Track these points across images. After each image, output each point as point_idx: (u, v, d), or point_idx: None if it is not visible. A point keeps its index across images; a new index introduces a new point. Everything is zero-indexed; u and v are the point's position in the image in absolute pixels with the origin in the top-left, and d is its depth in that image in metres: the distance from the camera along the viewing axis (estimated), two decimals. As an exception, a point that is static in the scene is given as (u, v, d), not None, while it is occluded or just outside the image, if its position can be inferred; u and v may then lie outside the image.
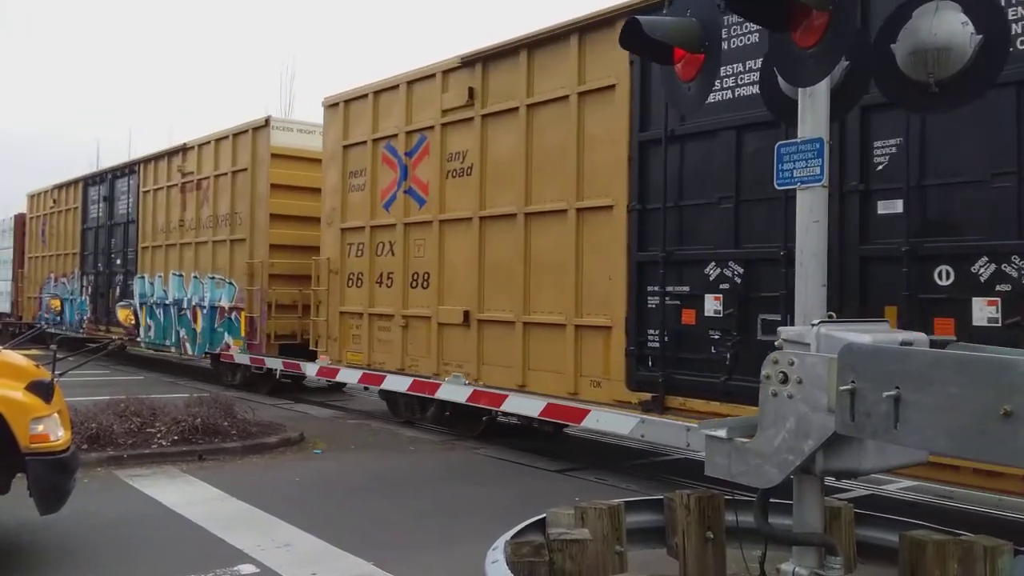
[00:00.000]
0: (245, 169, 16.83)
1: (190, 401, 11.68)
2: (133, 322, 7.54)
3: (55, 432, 6.00)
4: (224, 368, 17.99)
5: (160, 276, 19.73)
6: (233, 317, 16.98)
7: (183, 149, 19.27)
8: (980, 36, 3.82)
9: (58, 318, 23.70)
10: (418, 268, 12.36)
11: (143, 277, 20.54)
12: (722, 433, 3.99)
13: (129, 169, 21.88)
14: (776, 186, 4.26)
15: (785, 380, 3.68)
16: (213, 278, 17.68)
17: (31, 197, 28.04)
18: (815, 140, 4.04)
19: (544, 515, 4.81)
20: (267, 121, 16.59)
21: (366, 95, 13.67)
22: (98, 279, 22.84)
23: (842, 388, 3.30)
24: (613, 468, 10.34)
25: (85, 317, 23.13)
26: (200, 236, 18.27)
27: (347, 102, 14.21)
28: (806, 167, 4.05)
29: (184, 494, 8.54)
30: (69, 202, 24.95)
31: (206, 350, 17.99)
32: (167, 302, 19.30)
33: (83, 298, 23.48)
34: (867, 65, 4.25)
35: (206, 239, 18.04)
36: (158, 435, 10.45)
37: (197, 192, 18.48)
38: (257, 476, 9.63)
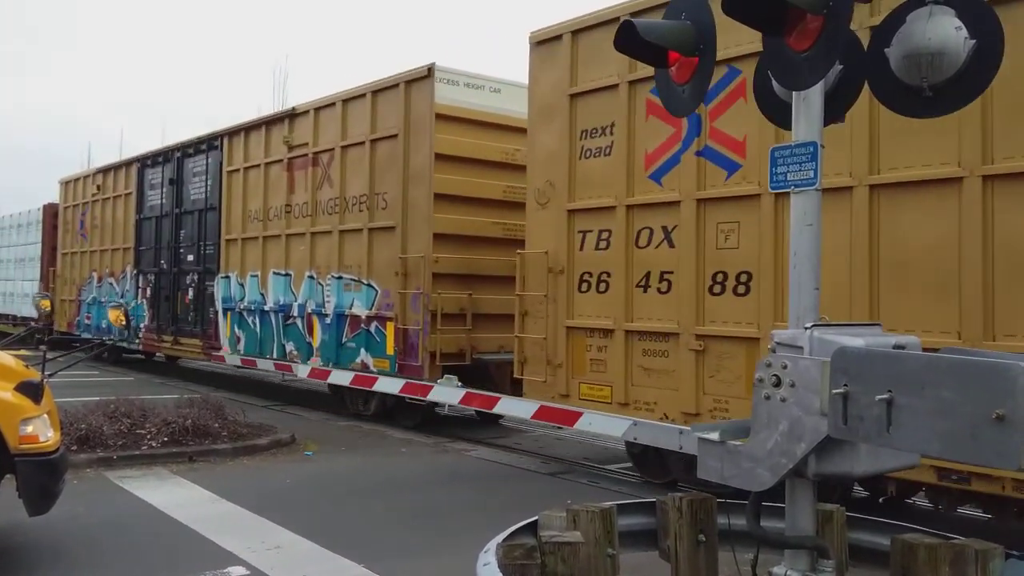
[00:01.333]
0: (393, 136, 12.86)
1: (180, 402, 11.65)
2: (124, 323, 7.19)
3: (44, 433, 5.98)
4: (353, 394, 14.05)
5: (255, 276, 15.83)
6: (373, 329, 13.08)
7: (290, 115, 15.22)
8: (974, 41, 3.83)
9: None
10: (725, 265, 8.59)
11: (228, 277, 16.63)
12: (714, 436, 3.98)
13: (207, 144, 17.65)
14: (769, 190, 4.26)
15: (778, 383, 3.68)
16: (340, 278, 13.77)
17: (65, 184, 24.55)
18: (809, 144, 4.04)
19: (536, 518, 4.80)
20: (430, 71, 12.38)
21: (616, 18, 9.11)
22: (160, 279, 19.19)
23: (835, 391, 3.30)
24: (604, 471, 10.33)
25: (142, 325, 19.67)
26: (318, 225, 14.34)
27: (577, 33, 10.20)
28: (800, 171, 4.06)
29: (174, 496, 8.51)
30: (118, 187, 21.23)
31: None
32: (265, 308, 15.47)
33: (139, 302, 19.87)
34: (861, 69, 4.26)
35: (328, 228, 14.08)
36: (148, 436, 10.41)
37: (313, 169, 14.52)
38: (248, 478, 9.60)
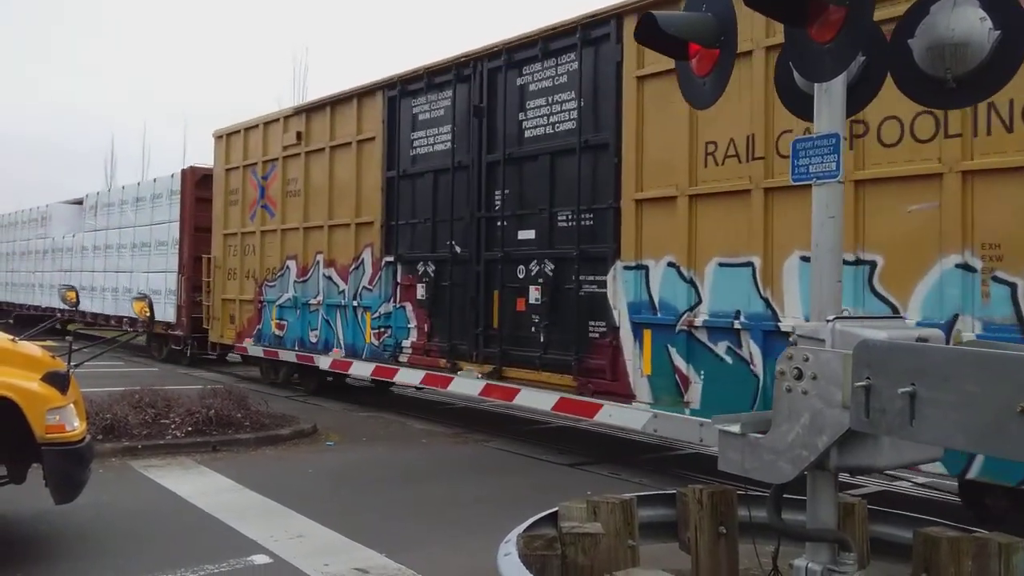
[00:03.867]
0: None
1: (204, 393, 11.75)
2: (148, 314, 7.07)
3: (71, 423, 6.05)
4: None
5: (722, 265, 8.67)
6: None
7: None
8: (998, 32, 3.80)
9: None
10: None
11: (640, 268, 9.50)
12: (735, 428, 3.98)
13: (580, 34, 10.23)
14: (792, 181, 4.25)
15: (800, 376, 3.68)
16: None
17: (226, 138, 17.80)
18: (831, 135, 4.03)
19: (556, 509, 4.82)
20: None
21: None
22: (445, 271, 12.20)
23: (857, 384, 3.29)
24: (625, 462, 10.34)
25: (406, 343, 12.79)
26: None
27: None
28: (822, 163, 4.04)
29: (198, 485, 8.59)
30: (343, 132, 14.30)
31: None
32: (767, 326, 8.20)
33: (398, 306, 12.91)
34: (884, 60, 4.23)
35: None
36: (172, 426, 10.52)
37: None
38: (270, 467, 9.68)
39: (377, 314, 13.39)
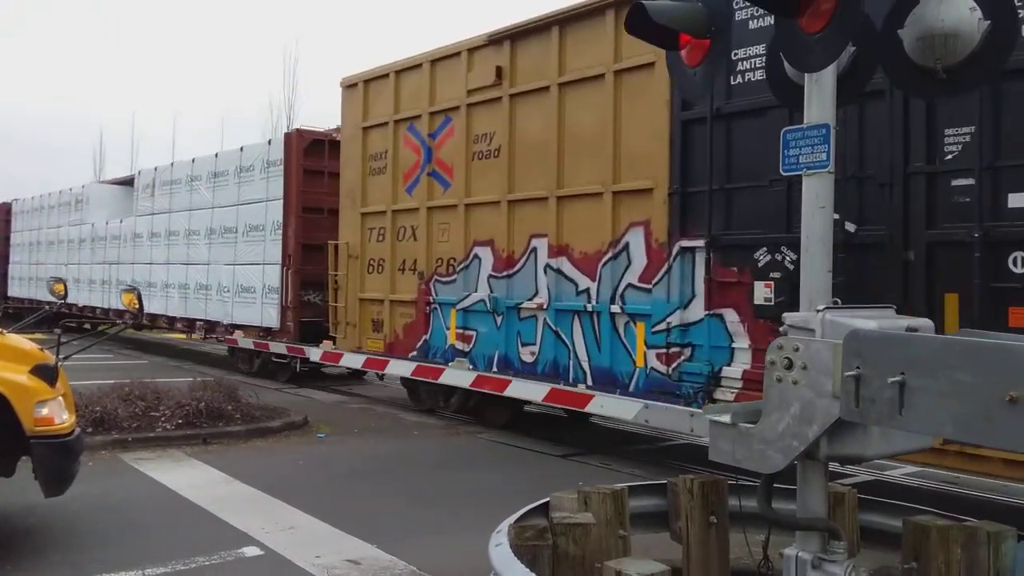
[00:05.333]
0: None
1: (194, 385, 11.71)
2: (137, 306, 6.93)
3: (59, 415, 6.03)
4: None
5: None
6: None
7: None
8: (988, 22, 3.81)
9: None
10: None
11: None
12: (726, 418, 3.99)
13: None
14: (781, 172, 4.25)
15: (790, 366, 3.68)
16: None
17: (360, 87, 13.84)
18: (821, 126, 4.03)
19: (548, 499, 4.83)
20: None
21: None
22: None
23: (847, 374, 3.30)
24: (616, 453, 10.36)
25: (731, 372, 8.65)
26: None
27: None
28: (812, 153, 4.04)
29: (189, 477, 8.58)
30: (585, 60, 10.24)
31: None
32: None
33: (713, 314, 8.78)
34: (874, 51, 4.23)
35: None
36: (162, 419, 10.49)
37: None
38: (261, 460, 9.67)
39: (662, 325, 9.25)
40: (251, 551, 6.34)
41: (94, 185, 26.02)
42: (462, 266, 11.85)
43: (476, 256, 11.67)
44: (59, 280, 7.90)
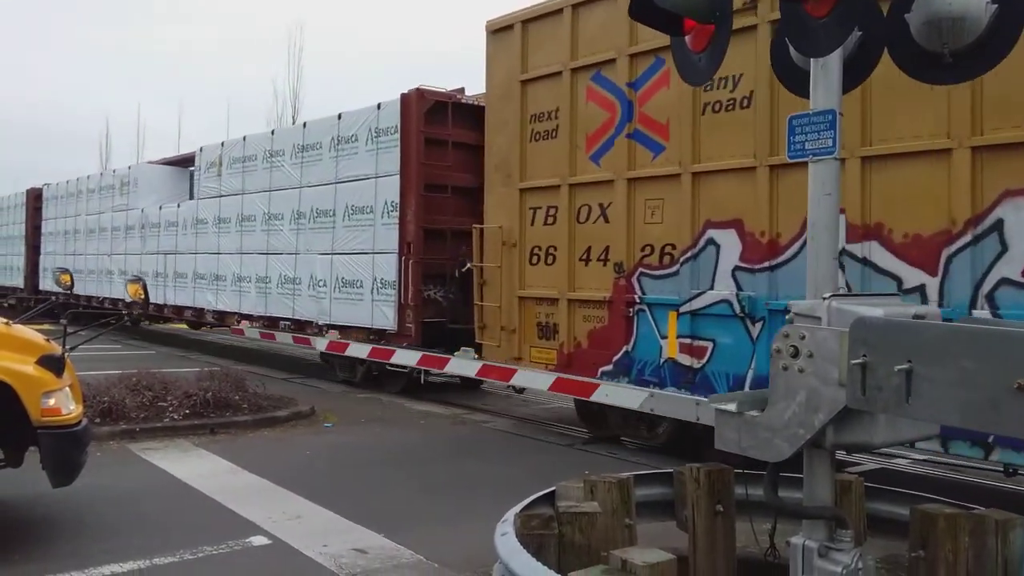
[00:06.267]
0: None
1: (201, 375, 11.75)
2: (143, 296, 6.99)
3: (67, 406, 6.04)
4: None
5: None
6: None
7: None
8: (995, 6, 3.76)
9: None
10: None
11: None
12: (732, 407, 3.97)
13: None
14: (787, 158, 4.21)
15: (796, 354, 3.66)
16: None
17: (516, 29, 11.15)
18: (827, 112, 3.99)
19: (554, 488, 4.83)
20: None
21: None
22: None
23: (853, 362, 3.27)
24: (623, 442, 10.34)
25: None
26: None
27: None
28: (818, 139, 4.01)
29: (196, 467, 8.60)
30: None
31: None
32: None
33: None
34: (880, 35, 4.19)
35: None
36: (170, 409, 10.52)
37: None
38: (268, 449, 9.69)
39: None
40: (258, 540, 6.36)
41: (143, 166, 22.76)
42: (687, 255, 9.00)
43: (711, 242, 8.85)
44: (65, 271, 7.92)
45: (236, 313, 16.96)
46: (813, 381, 3.60)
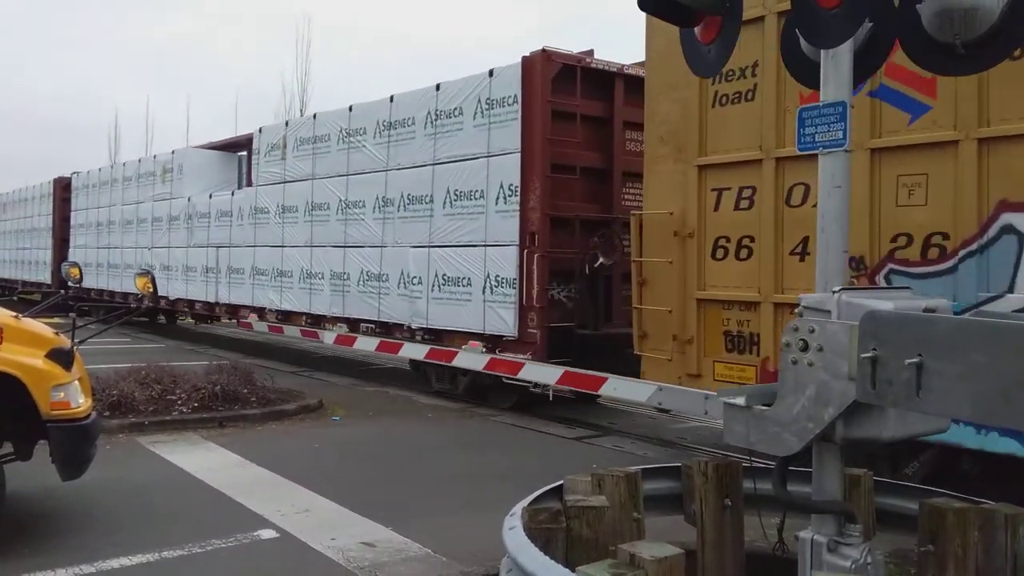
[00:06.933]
0: None
1: (210, 368, 11.78)
2: (151, 290, 6.97)
3: (76, 399, 6.05)
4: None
5: None
6: None
7: None
8: (1009, -5, 3.71)
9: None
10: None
11: None
12: (740, 401, 3.96)
13: None
14: (797, 150, 4.19)
15: (805, 348, 3.64)
16: None
17: None
18: (838, 103, 3.96)
19: (561, 482, 4.81)
20: None
21: None
22: None
23: (863, 356, 3.25)
24: (630, 436, 10.33)
25: None
26: None
27: None
28: (828, 131, 3.98)
29: (205, 460, 8.62)
30: None
31: None
32: None
33: None
34: (891, 26, 4.16)
35: None
36: (179, 402, 10.55)
37: None
38: (277, 442, 9.71)
39: None
40: (267, 534, 6.37)
41: (189, 151, 20.69)
42: (969, 248, 6.99)
43: (1008, 229, 6.83)
44: (74, 264, 7.93)
45: (305, 313, 15.18)
46: (823, 375, 3.58)
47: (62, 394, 5.95)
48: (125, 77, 74.53)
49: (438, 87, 12.51)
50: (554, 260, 11.06)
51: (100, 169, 24.68)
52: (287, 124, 16.40)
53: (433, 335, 12.44)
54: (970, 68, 4.12)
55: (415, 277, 12.65)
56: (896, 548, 5.09)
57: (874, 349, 3.22)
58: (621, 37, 24.78)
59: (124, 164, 23.39)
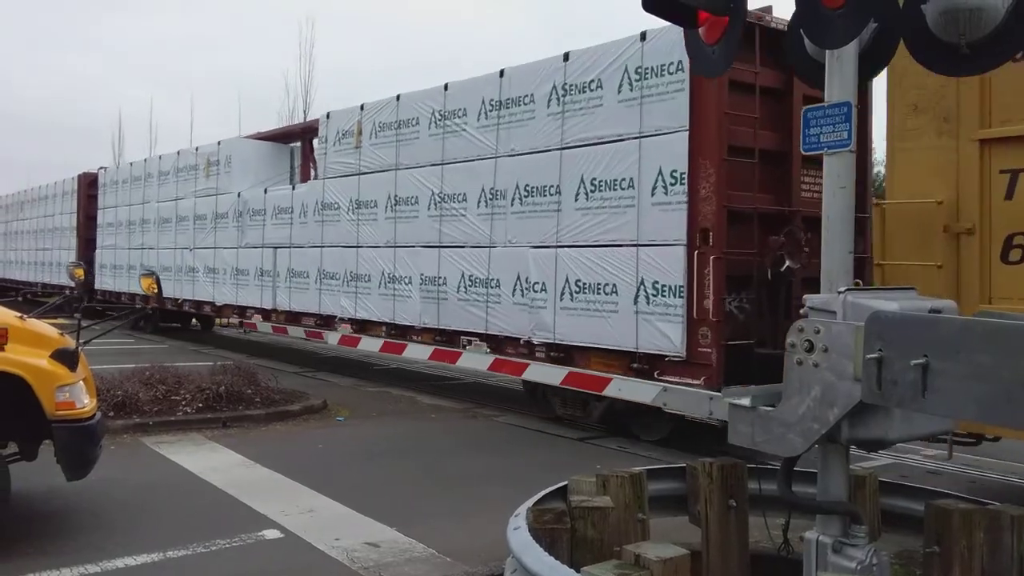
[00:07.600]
0: None
1: (214, 369, 11.79)
2: (156, 291, 6.96)
3: (80, 399, 6.06)
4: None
5: None
6: None
7: None
8: (1015, -5, 3.68)
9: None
10: None
11: None
12: (745, 401, 3.95)
13: None
14: (802, 151, 4.19)
15: (811, 348, 3.64)
16: None
17: None
18: (842, 104, 3.96)
19: (566, 483, 4.81)
20: None
21: None
22: None
23: (868, 356, 3.25)
24: (634, 436, 10.32)
25: None
26: None
27: None
28: (833, 131, 3.98)
29: (209, 461, 8.63)
30: None
31: None
32: None
33: None
34: (896, 26, 4.15)
35: None
36: (183, 403, 10.56)
37: None
38: (281, 443, 9.71)
39: None
40: (271, 534, 6.37)
41: (237, 141, 18.60)
42: None
43: None
44: (79, 265, 7.94)
45: (384, 323, 13.33)
46: (828, 376, 3.58)
47: (67, 394, 5.96)
48: (125, 77, 74.60)
49: (566, 56, 10.52)
50: (728, 264, 8.94)
51: (131, 164, 22.84)
52: (362, 108, 14.06)
53: (562, 352, 10.45)
54: (975, 68, 4.11)
55: (537, 283, 10.69)
56: (902, 549, 5.07)
57: (879, 350, 3.22)
58: None
59: (160, 157, 21.13)
